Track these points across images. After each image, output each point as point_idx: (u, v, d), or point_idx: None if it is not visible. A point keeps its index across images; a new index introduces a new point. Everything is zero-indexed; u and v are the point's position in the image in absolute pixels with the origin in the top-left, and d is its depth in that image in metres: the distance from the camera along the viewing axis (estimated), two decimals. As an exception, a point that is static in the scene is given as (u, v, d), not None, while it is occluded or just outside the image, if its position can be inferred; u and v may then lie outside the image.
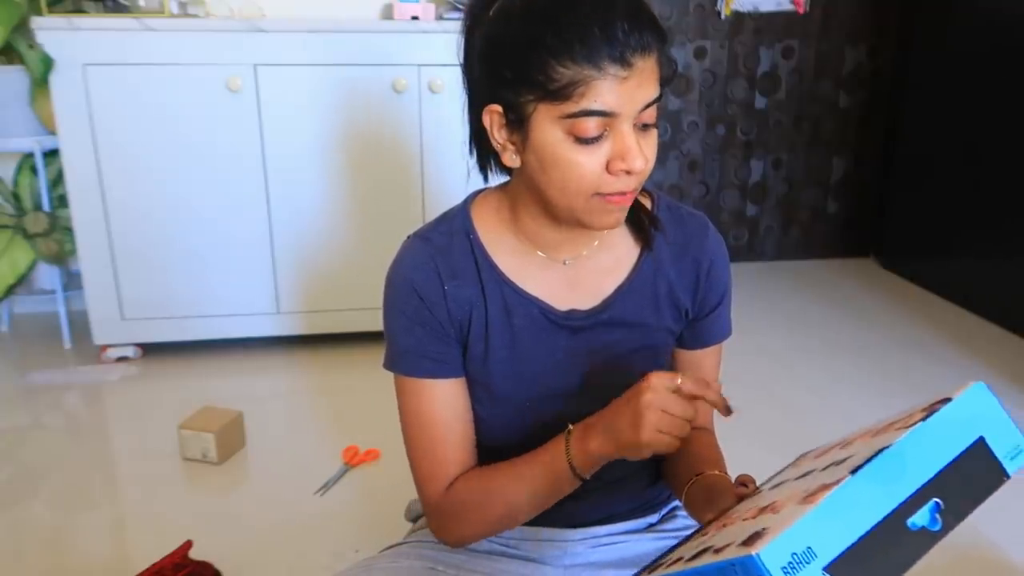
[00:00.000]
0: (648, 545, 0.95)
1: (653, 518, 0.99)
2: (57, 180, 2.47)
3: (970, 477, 0.53)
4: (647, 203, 0.90)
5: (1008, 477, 0.55)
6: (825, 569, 0.48)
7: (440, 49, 2.27)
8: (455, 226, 0.87)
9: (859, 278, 3.30)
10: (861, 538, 0.50)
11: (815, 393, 2.25)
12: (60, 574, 1.48)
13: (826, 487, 0.53)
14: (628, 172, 0.73)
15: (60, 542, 1.58)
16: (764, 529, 0.52)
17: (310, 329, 2.46)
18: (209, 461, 1.84)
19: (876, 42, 3.30)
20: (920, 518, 0.51)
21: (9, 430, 2.03)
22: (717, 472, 0.85)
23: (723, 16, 3.17)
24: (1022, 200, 2.61)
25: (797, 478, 0.65)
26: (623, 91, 0.70)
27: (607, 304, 0.87)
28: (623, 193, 0.75)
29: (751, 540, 0.51)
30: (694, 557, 0.61)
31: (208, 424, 1.85)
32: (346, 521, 1.64)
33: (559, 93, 0.70)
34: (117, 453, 1.95)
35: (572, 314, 0.86)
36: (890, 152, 3.37)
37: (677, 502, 0.99)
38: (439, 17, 2.39)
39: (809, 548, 0.48)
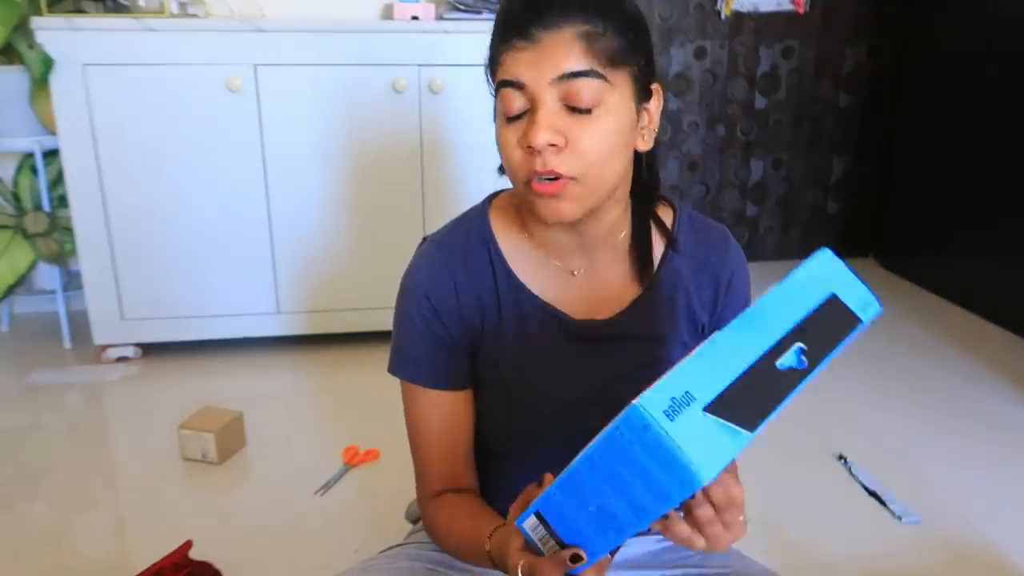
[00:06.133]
0: (649, 546, 0.95)
1: (654, 518, 0.99)
2: (57, 180, 2.47)
3: (827, 325, 0.59)
4: (668, 215, 0.89)
5: (862, 322, 0.60)
6: (704, 409, 0.51)
7: (440, 49, 2.27)
8: (473, 230, 0.86)
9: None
10: (735, 380, 0.53)
11: (815, 393, 2.22)
12: (60, 574, 1.48)
13: None
14: (530, 148, 0.72)
15: (60, 542, 1.58)
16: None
17: (310, 329, 2.46)
18: (209, 461, 1.84)
19: (876, 42, 3.30)
20: (787, 360, 0.56)
21: (9, 430, 2.03)
22: None
23: (723, 16, 3.17)
24: (1022, 200, 2.62)
25: None
26: (528, 62, 0.72)
27: (623, 316, 0.86)
28: (538, 173, 0.73)
29: None
30: None
31: (208, 424, 1.85)
32: (346, 521, 1.64)
33: (489, 70, 0.78)
34: (117, 453, 1.95)
35: (588, 325, 0.85)
36: (890, 152, 3.37)
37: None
38: (439, 17, 2.39)
39: (687, 392, 0.51)
